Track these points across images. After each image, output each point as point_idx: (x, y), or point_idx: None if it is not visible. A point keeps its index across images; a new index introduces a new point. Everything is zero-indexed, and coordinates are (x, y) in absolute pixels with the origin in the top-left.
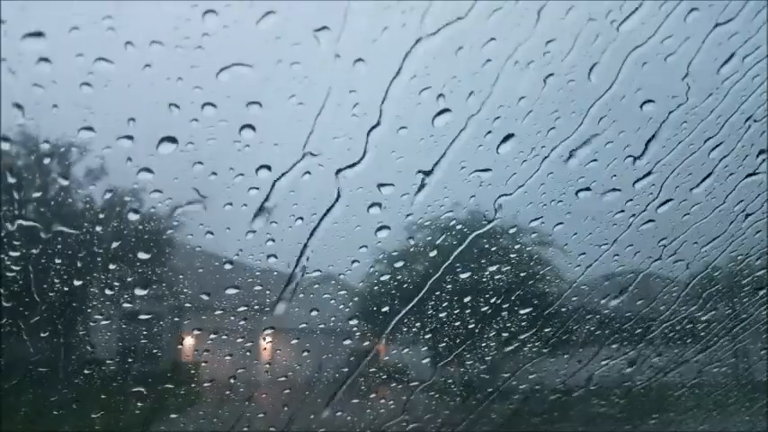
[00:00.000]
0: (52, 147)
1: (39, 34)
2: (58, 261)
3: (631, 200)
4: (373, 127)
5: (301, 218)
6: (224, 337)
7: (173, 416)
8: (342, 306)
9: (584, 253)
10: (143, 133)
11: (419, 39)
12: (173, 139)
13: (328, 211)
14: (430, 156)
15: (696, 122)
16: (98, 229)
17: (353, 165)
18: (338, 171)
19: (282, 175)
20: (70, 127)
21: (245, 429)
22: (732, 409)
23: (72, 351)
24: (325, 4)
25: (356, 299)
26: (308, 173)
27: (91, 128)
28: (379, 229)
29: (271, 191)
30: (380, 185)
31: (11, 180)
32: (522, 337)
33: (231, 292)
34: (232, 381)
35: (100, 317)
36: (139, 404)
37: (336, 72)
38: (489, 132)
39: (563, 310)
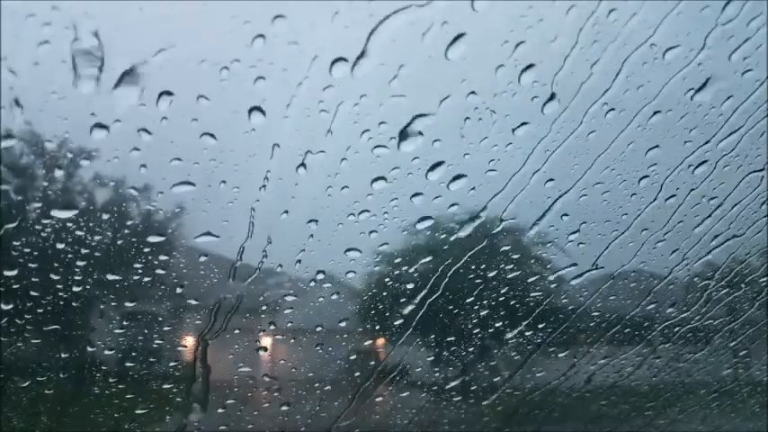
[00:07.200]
0: (52, 145)
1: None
2: (58, 260)
3: (632, 200)
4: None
5: (298, 217)
6: (224, 336)
7: (173, 416)
8: (342, 306)
9: (584, 253)
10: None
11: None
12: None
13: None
14: (430, 155)
15: (696, 122)
16: (99, 228)
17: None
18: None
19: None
20: (71, 125)
21: (246, 429)
22: (732, 409)
23: (72, 351)
24: None
25: (356, 299)
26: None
27: (93, 125)
28: (375, 231)
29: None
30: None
31: (11, 179)
32: (522, 337)
33: (232, 291)
34: (232, 381)
35: (100, 317)
36: (139, 404)
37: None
38: (489, 132)
39: (563, 310)
